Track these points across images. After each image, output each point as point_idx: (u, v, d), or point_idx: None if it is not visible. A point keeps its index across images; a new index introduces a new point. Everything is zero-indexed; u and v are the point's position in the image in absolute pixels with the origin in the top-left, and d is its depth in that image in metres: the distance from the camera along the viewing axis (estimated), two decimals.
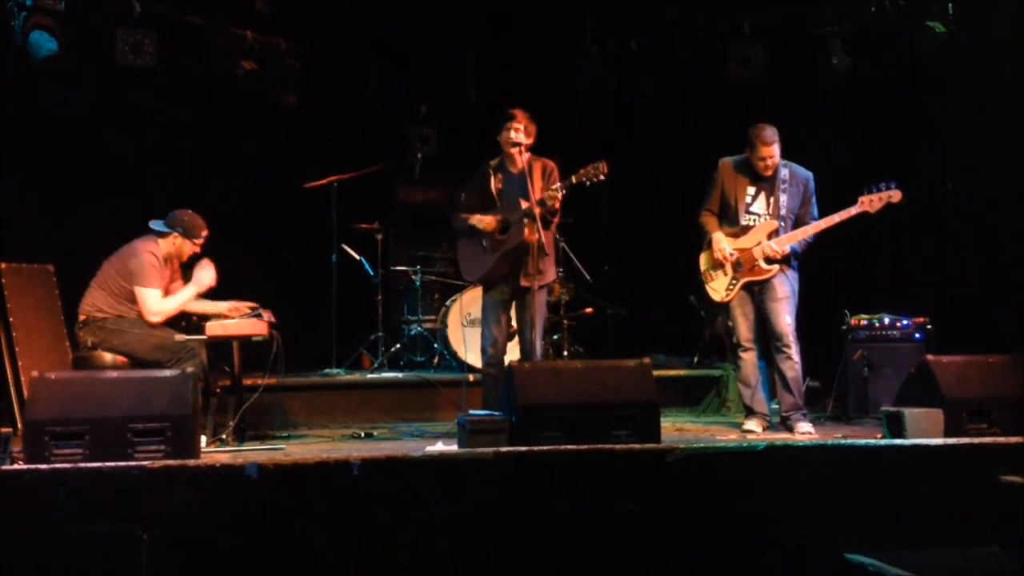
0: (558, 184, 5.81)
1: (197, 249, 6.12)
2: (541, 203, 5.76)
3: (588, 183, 5.74)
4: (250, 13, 8.15)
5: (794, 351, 5.97)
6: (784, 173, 6.05)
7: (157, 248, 5.97)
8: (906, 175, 5.96)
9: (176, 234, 6.03)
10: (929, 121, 7.52)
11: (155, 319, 5.86)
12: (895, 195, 5.86)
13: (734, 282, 6.09)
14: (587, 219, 8.11)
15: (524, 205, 5.83)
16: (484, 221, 6.04)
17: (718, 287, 6.15)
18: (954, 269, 7.14)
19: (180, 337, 5.72)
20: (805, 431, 5.90)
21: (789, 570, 4.40)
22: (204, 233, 6.12)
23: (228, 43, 7.99)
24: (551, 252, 6.03)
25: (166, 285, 6.00)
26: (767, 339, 6.10)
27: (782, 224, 6.00)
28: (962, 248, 7.17)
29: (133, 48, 7.40)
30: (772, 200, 6.05)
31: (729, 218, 6.14)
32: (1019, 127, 6.67)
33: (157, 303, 5.88)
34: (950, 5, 7.25)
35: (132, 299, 5.87)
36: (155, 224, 6.04)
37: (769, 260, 6.00)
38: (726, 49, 8.33)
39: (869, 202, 5.88)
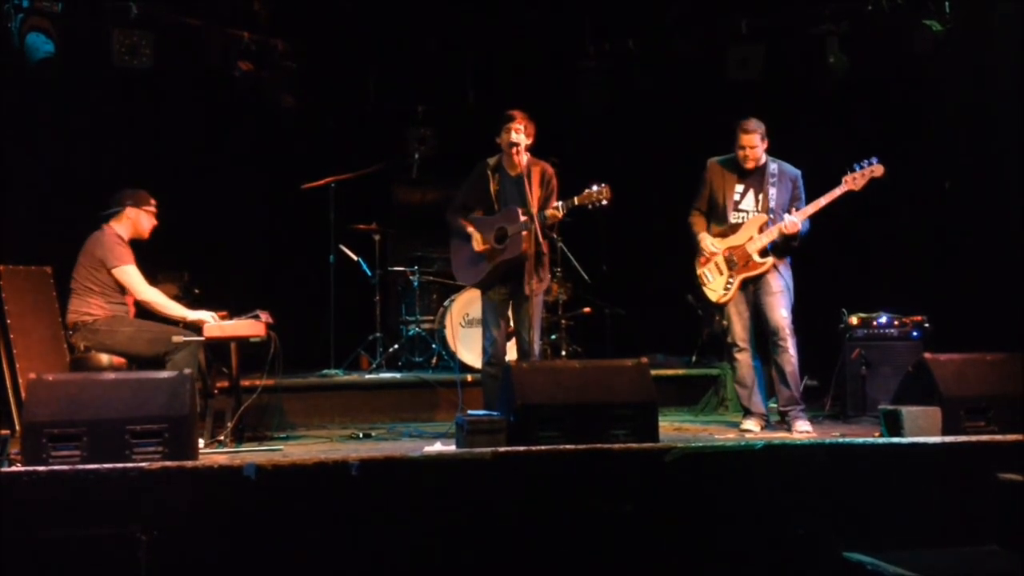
0: (559, 204, 5.79)
1: (153, 220, 6.12)
2: (541, 217, 5.76)
3: (591, 207, 5.72)
4: (247, 14, 8.16)
5: (791, 345, 5.97)
6: (773, 168, 6.07)
7: (114, 230, 6.01)
8: (904, 174, 5.97)
9: (127, 207, 6.04)
10: (926, 120, 7.52)
11: (143, 296, 5.89)
12: (877, 169, 5.86)
13: (731, 281, 6.08)
14: (585, 219, 8.09)
15: (522, 217, 5.81)
16: (476, 238, 6.04)
17: (715, 287, 6.15)
18: (952, 267, 7.15)
19: (178, 338, 5.71)
20: (803, 430, 5.90)
21: (788, 569, 4.40)
22: (152, 202, 6.13)
23: (225, 44, 8.00)
24: (547, 260, 6.04)
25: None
26: (763, 335, 6.10)
27: (771, 218, 6.01)
28: (959, 246, 7.18)
29: (130, 49, 7.41)
30: (761, 195, 6.07)
31: (718, 216, 6.16)
32: (1016, 125, 6.68)
33: (144, 284, 5.92)
34: (947, 4, 7.28)
35: (119, 291, 5.88)
36: (105, 212, 6.07)
37: (763, 253, 6.00)
38: (724, 49, 8.34)
39: (852, 180, 5.87)
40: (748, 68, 8.23)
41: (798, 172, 6.12)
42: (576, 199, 5.74)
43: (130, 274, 5.89)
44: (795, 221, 5.89)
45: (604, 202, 5.69)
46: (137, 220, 6.06)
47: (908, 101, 7.62)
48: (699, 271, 6.20)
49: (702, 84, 8.54)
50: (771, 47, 8.20)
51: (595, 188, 5.69)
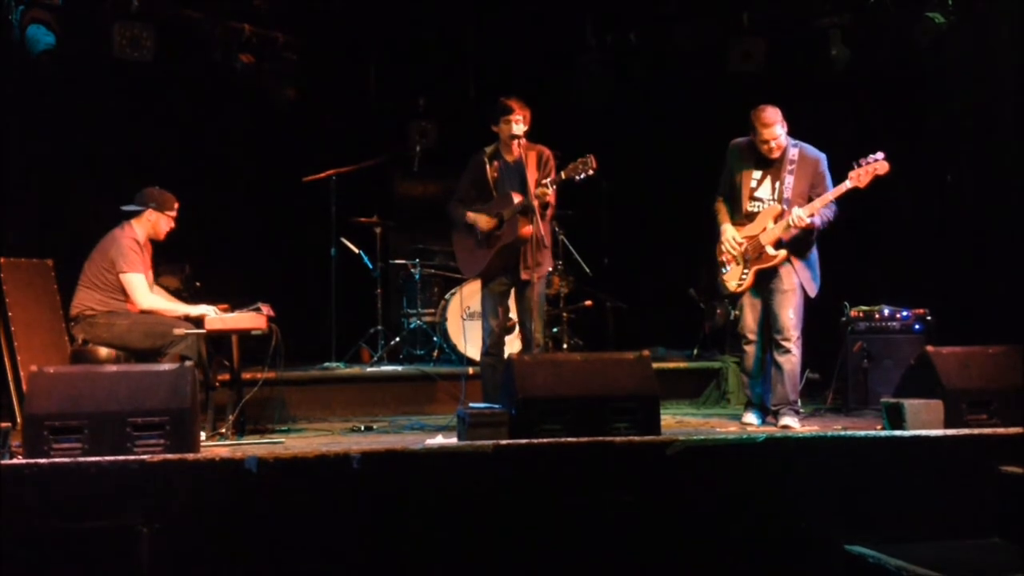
0: (547, 180, 5.77)
1: (172, 224, 6.13)
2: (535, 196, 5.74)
3: (578, 179, 5.68)
4: (248, 7, 8.14)
5: (793, 344, 5.86)
6: (793, 153, 5.89)
7: (134, 232, 6.00)
8: (906, 166, 5.93)
9: (150, 210, 6.04)
10: (929, 112, 7.50)
11: (143, 306, 5.89)
12: (880, 167, 5.69)
13: (746, 272, 5.99)
14: (587, 212, 8.10)
15: (517, 199, 5.81)
16: (480, 220, 6.03)
17: (732, 277, 6.04)
18: (953, 260, 7.14)
19: (179, 331, 5.72)
20: (786, 423, 5.81)
21: (790, 562, 4.40)
22: (175, 205, 6.14)
23: (226, 37, 7.98)
24: (548, 243, 6.02)
25: (148, 269, 6.03)
26: (769, 330, 6.06)
27: (786, 208, 5.86)
28: (961, 239, 7.17)
29: (131, 42, 7.40)
30: (778, 184, 5.92)
31: (734, 203, 6.04)
32: (1018, 118, 6.66)
33: (146, 293, 5.91)
34: None
35: (121, 290, 5.88)
36: (127, 207, 6.06)
37: (777, 245, 5.93)
38: (726, 42, 8.32)
39: (857, 176, 5.72)
40: (750, 61, 8.21)
41: (821, 155, 5.93)
42: (563, 173, 5.71)
43: (134, 283, 5.88)
44: (802, 216, 5.74)
45: (590, 172, 5.63)
46: (156, 223, 6.07)
47: (911, 93, 7.60)
48: (719, 258, 6.09)
49: (704, 77, 8.53)
50: (773, 40, 8.18)
51: (580, 160, 5.66)
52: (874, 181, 5.74)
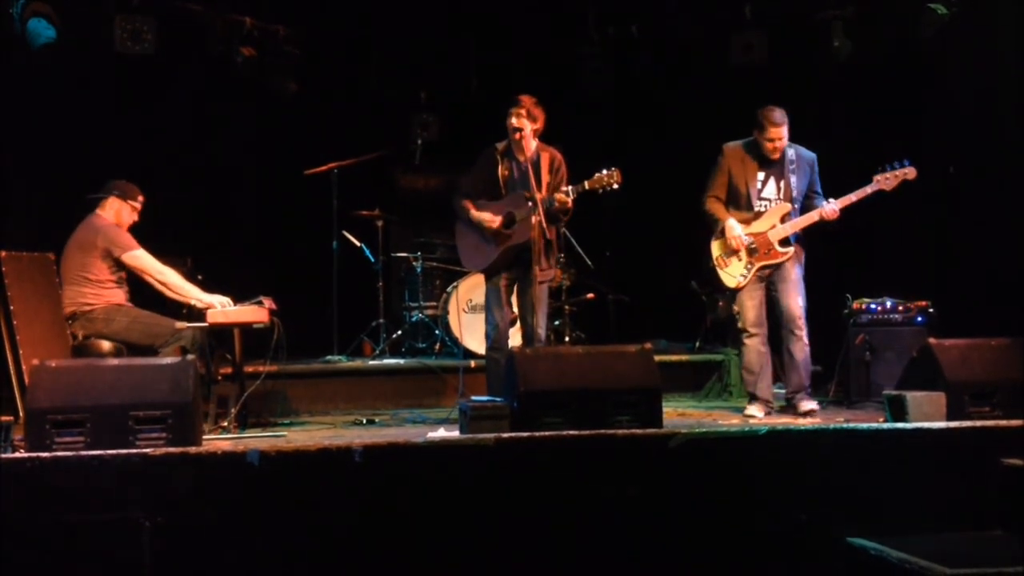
0: (568, 188, 5.74)
1: (135, 216, 6.14)
2: (549, 202, 5.72)
3: (601, 191, 5.68)
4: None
5: (805, 334, 5.98)
6: (791, 154, 6.01)
7: (104, 218, 6.02)
8: (908, 159, 5.94)
9: (113, 197, 6.06)
10: (931, 104, 7.49)
11: (159, 278, 5.90)
12: (910, 172, 5.89)
13: (749, 267, 6.03)
14: (589, 205, 8.07)
15: (530, 202, 5.78)
16: (485, 219, 5.99)
17: (733, 272, 6.09)
18: (956, 252, 7.13)
19: (181, 325, 5.72)
20: (807, 408, 5.90)
21: (791, 554, 4.40)
22: (140, 198, 6.14)
23: (227, 30, 7.97)
24: (555, 248, 6.01)
25: None
26: (776, 322, 6.08)
27: (795, 207, 5.98)
28: (964, 231, 7.16)
29: (132, 35, 7.41)
30: (783, 183, 6.02)
31: (740, 205, 6.08)
32: (1021, 110, 6.65)
33: (159, 264, 5.93)
34: None
35: (115, 280, 5.90)
36: (92, 196, 6.08)
37: (784, 243, 5.97)
38: (728, 34, 8.31)
39: (884, 180, 5.90)
40: (752, 54, 8.19)
41: (814, 156, 6.08)
42: (587, 183, 5.70)
43: (142, 258, 5.90)
44: (835, 209, 5.90)
45: (615, 186, 5.66)
46: (119, 212, 6.08)
47: (913, 86, 7.58)
48: (716, 255, 6.13)
49: (706, 70, 8.51)
50: (775, 32, 8.16)
51: (605, 172, 5.65)
52: (902, 185, 5.92)
